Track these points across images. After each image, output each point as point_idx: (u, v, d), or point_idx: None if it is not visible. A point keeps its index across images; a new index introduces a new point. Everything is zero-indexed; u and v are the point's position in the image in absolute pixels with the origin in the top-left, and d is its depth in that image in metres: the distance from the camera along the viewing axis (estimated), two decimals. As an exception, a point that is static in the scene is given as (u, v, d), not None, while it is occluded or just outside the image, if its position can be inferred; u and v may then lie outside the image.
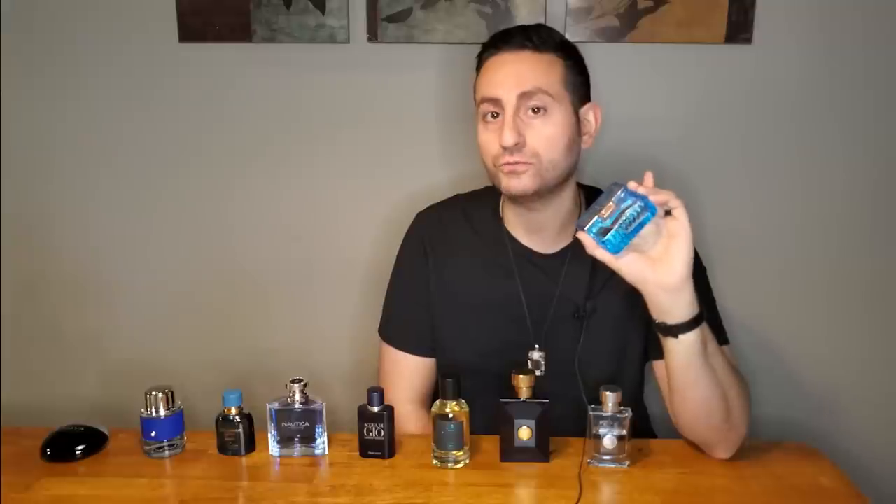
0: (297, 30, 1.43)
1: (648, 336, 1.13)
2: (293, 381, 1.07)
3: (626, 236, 0.95)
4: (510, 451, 1.06)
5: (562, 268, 1.17)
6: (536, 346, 1.17)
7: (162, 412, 1.08)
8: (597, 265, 1.14)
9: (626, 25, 1.39)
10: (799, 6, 1.38)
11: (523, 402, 1.04)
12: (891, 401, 1.52)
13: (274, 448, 1.09)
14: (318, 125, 1.49)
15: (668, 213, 0.95)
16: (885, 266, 1.47)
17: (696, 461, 1.07)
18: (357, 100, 1.47)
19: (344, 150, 1.50)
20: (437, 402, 1.04)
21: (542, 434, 1.05)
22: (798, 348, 1.51)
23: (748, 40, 1.38)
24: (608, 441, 1.04)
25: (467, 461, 1.06)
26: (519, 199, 1.11)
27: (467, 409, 1.04)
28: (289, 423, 1.08)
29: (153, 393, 1.08)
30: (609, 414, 1.03)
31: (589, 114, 1.14)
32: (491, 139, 1.09)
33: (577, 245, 1.16)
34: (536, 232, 1.18)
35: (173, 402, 1.10)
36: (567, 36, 1.39)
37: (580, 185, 1.21)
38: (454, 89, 1.44)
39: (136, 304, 1.58)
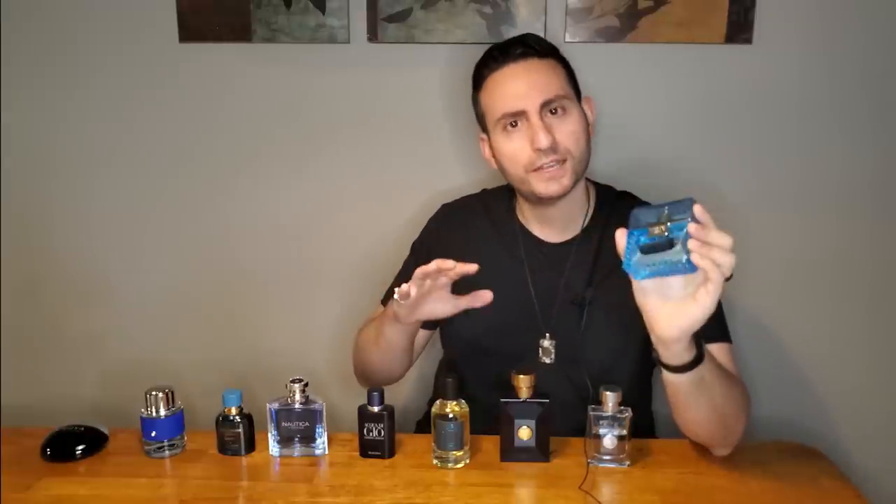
0: (297, 30, 1.43)
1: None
2: (293, 381, 1.07)
3: (654, 272, 0.88)
4: (510, 451, 1.06)
5: (568, 256, 1.20)
6: (547, 334, 1.19)
7: (162, 412, 1.08)
8: (600, 256, 1.16)
9: (626, 25, 1.39)
10: (799, 6, 1.38)
11: (523, 401, 1.04)
12: (891, 401, 1.51)
13: (274, 448, 1.09)
14: (318, 125, 1.49)
15: None
16: (885, 266, 1.47)
17: (696, 461, 1.07)
18: (357, 100, 1.47)
19: (344, 150, 1.50)
20: (438, 402, 1.04)
21: (542, 434, 1.05)
22: (799, 349, 1.51)
23: (748, 40, 1.38)
24: (608, 441, 1.04)
25: (467, 461, 1.06)
26: (549, 201, 1.15)
27: (467, 409, 1.04)
28: (289, 423, 1.08)
29: (153, 393, 1.08)
30: (609, 414, 1.03)
31: (586, 107, 1.19)
32: (517, 146, 1.13)
33: (583, 236, 1.19)
34: (547, 224, 1.22)
35: (173, 402, 1.10)
36: (567, 36, 1.40)
37: (594, 183, 1.25)
38: (454, 89, 1.44)
39: (136, 304, 1.58)
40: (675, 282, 0.89)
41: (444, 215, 1.33)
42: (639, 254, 0.88)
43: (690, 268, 0.85)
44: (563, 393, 1.07)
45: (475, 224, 1.28)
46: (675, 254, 0.86)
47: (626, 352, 1.18)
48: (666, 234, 0.86)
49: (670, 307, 0.90)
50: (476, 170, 1.46)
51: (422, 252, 1.33)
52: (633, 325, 1.11)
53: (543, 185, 1.12)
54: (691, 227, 0.84)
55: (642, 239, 0.88)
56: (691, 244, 0.84)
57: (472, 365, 1.24)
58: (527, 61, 1.12)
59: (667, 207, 0.88)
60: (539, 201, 1.17)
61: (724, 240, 0.86)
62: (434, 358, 1.40)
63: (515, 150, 1.13)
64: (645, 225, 0.88)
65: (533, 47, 1.13)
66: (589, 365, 1.14)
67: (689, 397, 0.98)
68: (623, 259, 0.90)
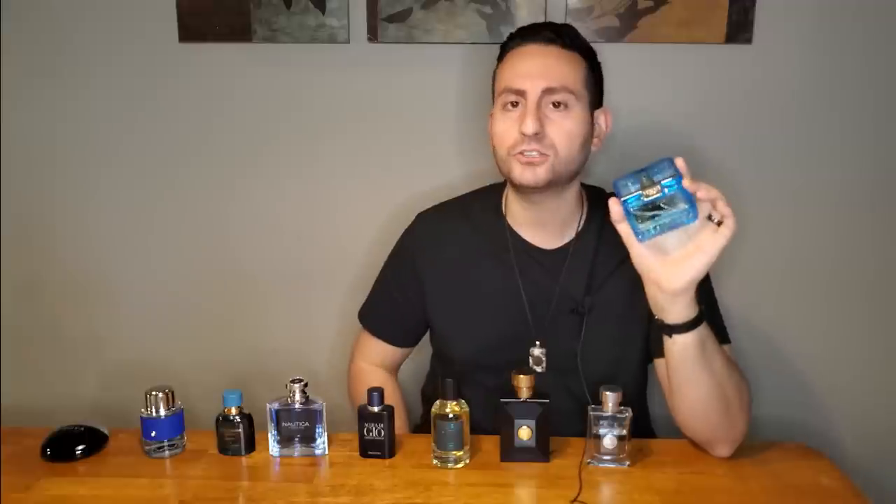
0: (297, 30, 1.43)
1: (649, 334, 1.13)
2: (293, 381, 1.07)
3: (661, 229, 0.93)
4: (510, 451, 1.06)
5: (562, 263, 1.18)
6: (538, 342, 1.17)
7: (162, 412, 1.08)
8: (597, 262, 1.15)
9: (626, 25, 1.39)
10: (799, 6, 1.38)
11: (523, 402, 1.04)
12: (891, 401, 1.52)
13: (274, 448, 1.09)
14: (318, 125, 1.49)
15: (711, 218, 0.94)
16: (884, 265, 1.47)
17: (696, 461, 1.07)
18: (357, 100, 1.47)
19: (344, 151, 1.50)
20: (438, 402, 1.04)
21: (542, 434, 1.05)
22: (798, 348, 1.51)
23: (748, 40, 1.38)
24: (608, 441, 1.04)
25: (467, 461, 1.06)
26: (527, 191, 1.12)
27: (467, 409, 1.04)
28: (289, 423, 1.08)
29: (153, 393, 1.08)
30: (609, 414, 1.03)
31: (601, 117, 1.16)
32: (508, 127, 1.11)
33: (578, 241, 1.17)
34: (539, 227, 1.19)
35: (173, 402, 1.10)
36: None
37: (584, 186, 1.22)
38: (454, 89, 1.44)
39: (136, 304, 1.58)
40: (672, 236, 0.94)
41: (420, 226, 1.27)
42: (639, 217, 0.94)
43: (695, 215, 0.92)
44: (558, 401, 1.06)
45: (455, 233, 1.23)
46: (678, 206, 0.92)
47: (627, 354, 1.17)
48: (665, 191, 0.92)
49: (673, 261, 0.95)
50: (476, 170, 1.45)
51: (399, 266, 1.28)
52: (632, 327, 1.11)
53: (519, 170, 1.09)
54: (688, 183, 0.92)
55: (642, 200, 0.94)
56: (702, 195, 0.91)
57: (465, 377, 1.20)
58: (550, 47, 1.10)
59: (646, 171, 0.94)
60: (523, 193, 1.14)
61: (716, 192, 0.93)
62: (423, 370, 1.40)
63: (505, 129, 1.11)
64: (636, 191, 0.94)
65: (561, 36, 1.11)
66: (589, 375, 1.13)
67: (694, 364, 0.99)
68: (622, 224, 0.95)
